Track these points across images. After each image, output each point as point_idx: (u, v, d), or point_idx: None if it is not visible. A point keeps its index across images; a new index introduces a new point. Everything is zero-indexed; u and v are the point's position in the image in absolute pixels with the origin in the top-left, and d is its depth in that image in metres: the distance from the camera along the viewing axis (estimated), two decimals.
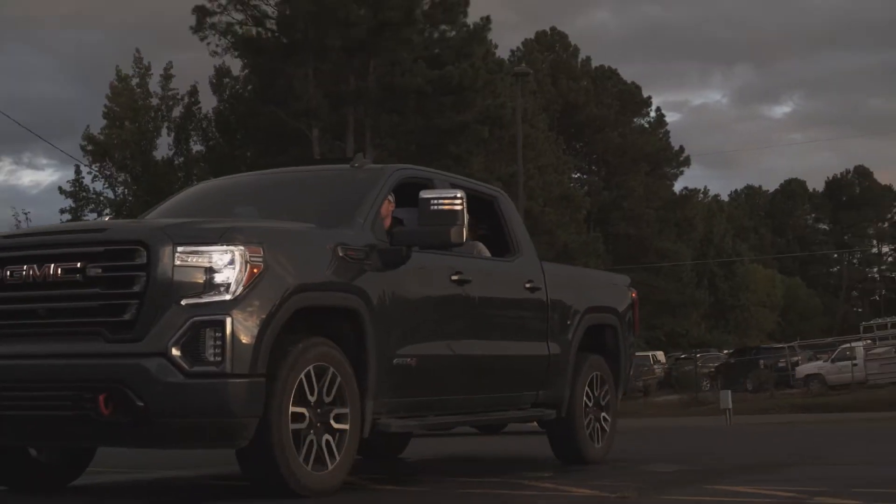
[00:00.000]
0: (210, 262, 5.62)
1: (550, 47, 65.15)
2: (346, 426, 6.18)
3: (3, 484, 6.78)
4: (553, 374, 8.27)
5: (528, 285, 8.13)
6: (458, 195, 6.68)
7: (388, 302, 6.60)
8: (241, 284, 5.61)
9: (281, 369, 5.77)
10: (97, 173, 48.89)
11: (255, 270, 5.68)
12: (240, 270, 5.62)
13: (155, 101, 51.88)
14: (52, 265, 5.70)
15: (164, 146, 51.26)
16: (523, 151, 38.40)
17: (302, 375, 5.92)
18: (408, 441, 10.11)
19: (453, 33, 47.25)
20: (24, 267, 5.77)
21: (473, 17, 47.36)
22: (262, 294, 5.68)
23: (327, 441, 6.05)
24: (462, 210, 6.64)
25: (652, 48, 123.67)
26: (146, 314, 5.49)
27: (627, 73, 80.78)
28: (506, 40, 61.82)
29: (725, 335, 70.25)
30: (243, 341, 5.52)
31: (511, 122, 41.19)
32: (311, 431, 5.97)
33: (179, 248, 5.60)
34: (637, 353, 46.50)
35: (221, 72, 49.47)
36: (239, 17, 47.10)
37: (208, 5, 46.40)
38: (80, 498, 6.66)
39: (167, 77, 52.22)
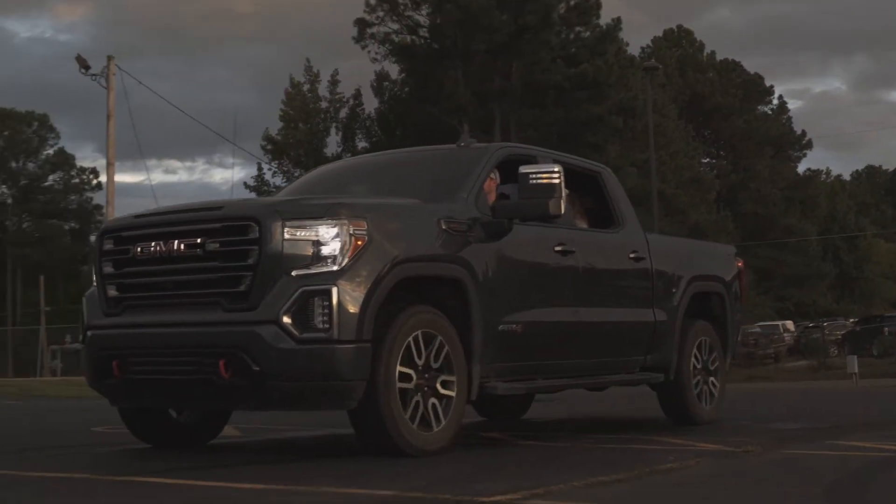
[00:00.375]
0: (317, 235, 5.53)
1: (678, 43, 64.12)
2: (453, 393, 5.98)
3: (147, 442, 6.80)
4: (660, 340, 7.85)
5: (632, 255, 7.74)
6: (556, 169, 6.37)
7: (491, 272, 6.35)
8: (347, 256, 5.50)
9: (388, 335, 5.63)
10: (276, 169, 50.06)
11: (360, 242, 5.56)
12: (344, 243, 5.51)
13: (324, 105, 53.76)
14: (176, 241, 5.71)
15: (332, 144, 52.95)
16: (655, 139, 37.51)
17: (409, 340, 5.76)
18: (530, 403, 9.71)
19: (587, 34, 47.59)
20: (153, 244, 5.78)
21: (605, 18, 48.10)
22: (366, 265, 5.55)
23: (433, 404, 5.87)
24: (560, 183, 6.32)
25: (773, 41, 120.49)
26: (259, 285, 5.44)
27: (751, 65, 79.06)
28: (636, 38, 61.70)
29: (851, 305, 67.95)
30: (349, 309, 5.41)
31: (643, 113, 40.67)
32: (418, 394, 5.82)
33: (288, 224, 5.53)
34: (767, 323, 45.83)
35: (381, 76, 50.43)
36: (395, 26, 48.61)
37: (368, 18, 47.97)
38: (214, 454, 6.78)
39: (334, 83, 54.01)
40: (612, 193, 8.06)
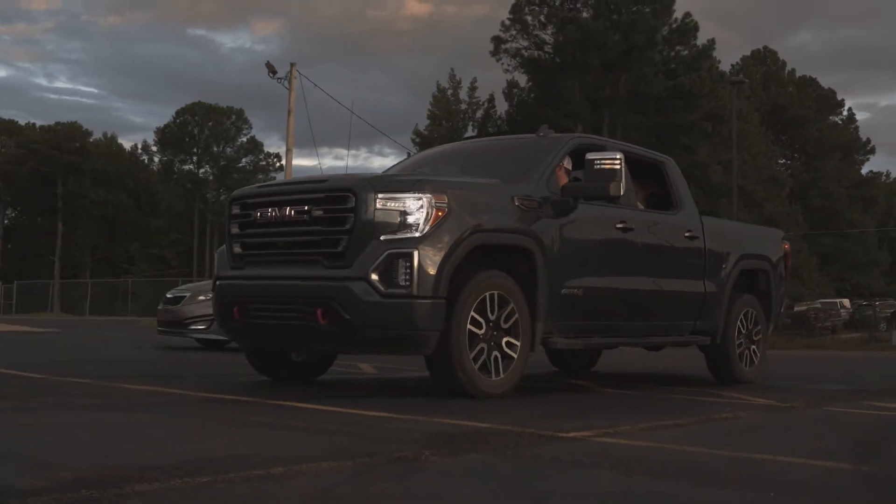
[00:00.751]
0: (404, 206, 5.35)
1: (763, 61, 61.53)
2: (515, 354, 5.76)
3: (267, 376, 6.75)
4: (709, 308, 7.50)
5: (687, 234, 7.37)
6: (618, 156, 6.08)
7: (557, 243, 6.09)
8: (429, 224, 5.31)
9: (462, 293, 5.45)
10: None
11: (440, 213, 5.37)
12: (427, 213, 5.33)
13: (463, 107, 53.94)
14: (288, 208, 5.64)
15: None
16: (738, 142, 36.27)
17: (485, 296, 5.59)
18: (597, 357, 9.35)
19: (686, 52, 46.91)
20: (269, 210, 5.73)
21: (702, 39, 47.43)
22: (444, 232, 5.36)
23: (496, 357, 5.67)
24: (620, 168, 6.04)
25: (847, 61, 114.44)
26: (353, 247, 5.32)
27: (826, 81, 74.98)
28: (727, 56, 59.80)
29: None
30: (428, 270, 5.26)
31: (729, 120, 38.88)
32: (485, 344, 5.61)
33: (380, 195, 5.37)
34: (827, 300, 44.35)
35: (511, 84, 50.02)
36: (524, 43, 48.41)
37: (503, 35, 48.06)
38: (320, 387, 6.65)
39: (472, 89, 54.26)
40: (672, 181, 7.70)
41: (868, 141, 66.51)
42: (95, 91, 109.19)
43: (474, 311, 5.51)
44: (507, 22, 47.78)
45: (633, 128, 44.86)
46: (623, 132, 44.07)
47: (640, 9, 45.13)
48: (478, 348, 5.53)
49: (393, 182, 5.69)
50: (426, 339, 5.34)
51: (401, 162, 8.17)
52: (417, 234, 5.27)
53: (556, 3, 47.45)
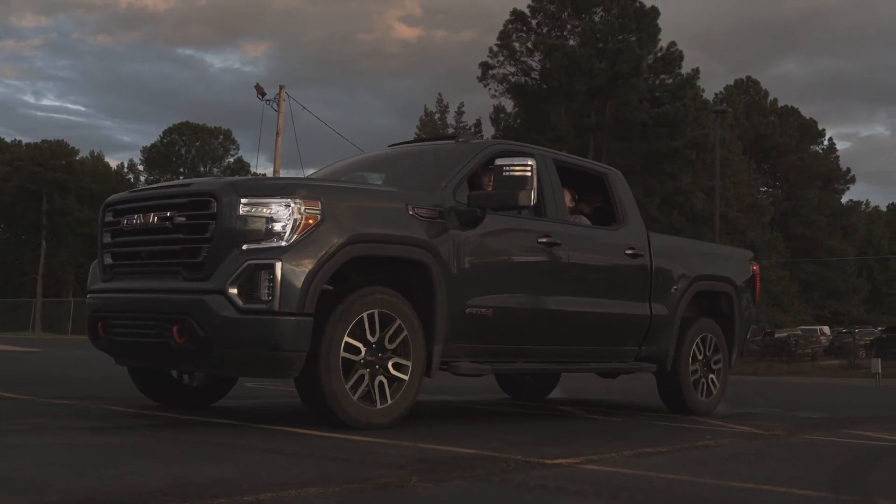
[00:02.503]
0: (270, 212, 4.84)
1: (746, 91, 62.10)
2: (405, 376, 5.19)
3: (155, 400, 6.15)
4: (656, 332, 6.86)
5: (628, 252, 6.73)
6: (529, 163, 5.52)
7: (461, 257, 5.52)
8: (297, 233, 4.81)
9: (335, 311, 4.90)
10: None
11: (311, 221, 4.85)
12: (296, 221, 4.82)
13: (451, 130, 52.49)
14: (152, 214, 5.16)
15: None
16: (721, 170, 36.81)
17: (363, 316, 5.00)
18: (554, 384, 8.78)
19: (670, 80, 47.09)
20: (135, 216, 5.24)
21: (686, 68, 47.79)
22: (314, 242, 4.83)
23: (380, 382, 5.11)
24: (531, 176, 5.48)
25: (828, 91, 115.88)
26: (214, 257, 4.83)
27: (807, 111, 76.07)
28: (711, 85, 60.16)
29: (880, 315, 65.18)
30: (292, 283, 4.72)
31: (712, 148, 39.62)
32: (366, 369, 5.05)
33: (244, 200, 4.85)
34: (807, 327, 44.54)
35: (498, 109, 50.14)
36: (512, 69, 48.58)
37: (490, 61, 48.26)
38: (216, 414, 6.05)
39: (460, 113, 54.32)
40: (617, 194, 7.08)
41: (848, 170, 67.36)
42: (83, 109, 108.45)
43: (351, 333, 4.98)
44: (495, 48, 48.12)
45: (617, 154, 44.92)
46: (608, 157, 43.82)
47: (626, 37, 45.64)
48: (357, 374, 5.01)
49: (260, 186, 5.18)
50: (290, 361, 4.81)
51: (322, 168, 7.49)
52: (283, 244, 4.78)
53: (544, 31, 48.07)
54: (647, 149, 44.90)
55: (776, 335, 39.20)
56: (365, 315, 4.98)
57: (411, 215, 5.28)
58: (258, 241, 4.77)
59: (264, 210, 4.81)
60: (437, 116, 54.21)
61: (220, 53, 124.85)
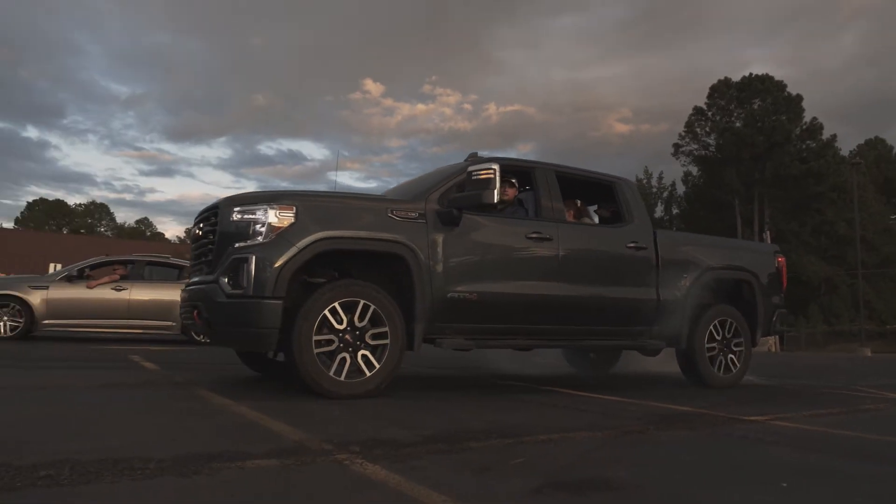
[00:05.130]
0: (255, 217, 4.63)
1: (874, 147, 59.75)
2: (386, 340, 4.76)
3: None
4: (665, 314, 6.24)
5: (630, 245, 6.12)
6: (493, 167, 4.98)
7: (442, 250, 5.08)
8: (274, 232, 4.57)
9: (308, 301, 4.59)
10: None
11: (286, 222, 4.59)
12: (273, 223, 4.58)
13: (654, 190, 56.52)
14: (195, 228, 5.25)
15: (658, 211, 55.22)
16: (858, 205, 35.82)
17: (336, 305, 4.64)
18: (617, 359, 8.08)
19: (813, 144, 47.59)
20: (194, 227, 5.31)
21: (826, 134, 48.00)
22: (285, 238, 4.56)
23: (364, 356, 4.70)
24: (494, 178, 4.94)
25: None
26: (217, 255, 4.75)
27: None
28: (847, 144, 59.68)
29: None
30: (263, 273, 4.46)
31: (850, 189, 39.91)
32: (345, 352, 4.67)
33: (237, 208, 4.71)
34: None
35: (686, 174, 52.70)
36: (695, 146, 50.80)
37: (680, 142, 51.25)
38: (506, 378, 6.35)
39: (660, 178, 57.06)
40: (623, 199, 6.43)
41: None
42: None
43: (323, 321, 4.62)
44: (683, 133, 50.71)
45: (776, 199, 46.62)
46: (769, 201, 46.62)
47: (779, 117, 46.84)
48: (335, 357, 4.64)
49: (251, 197, 4.84)
50: (265, 336, 4.50)
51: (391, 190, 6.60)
52: (259, 241, 4.59)
53: (717, 119, 49.27)
54: (798, 195, 45.83)
55: None
56: (341, 303, 4.68)
57: (390, 217, 4.96)
58: (245, 240, 4.64)
59: (250, 216, 4.67)
60: (644, 181, 56.03)
61: (503, 152, 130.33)
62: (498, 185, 4.98)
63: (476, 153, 5.86)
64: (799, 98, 47.73)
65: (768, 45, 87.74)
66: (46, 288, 11.08)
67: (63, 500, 2.14)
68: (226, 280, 4.61)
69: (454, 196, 5.23)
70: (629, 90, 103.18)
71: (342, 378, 4.61)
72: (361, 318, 4.73)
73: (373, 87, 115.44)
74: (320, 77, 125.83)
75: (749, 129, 46.76)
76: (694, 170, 51.92)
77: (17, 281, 11.25)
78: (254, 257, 4.53)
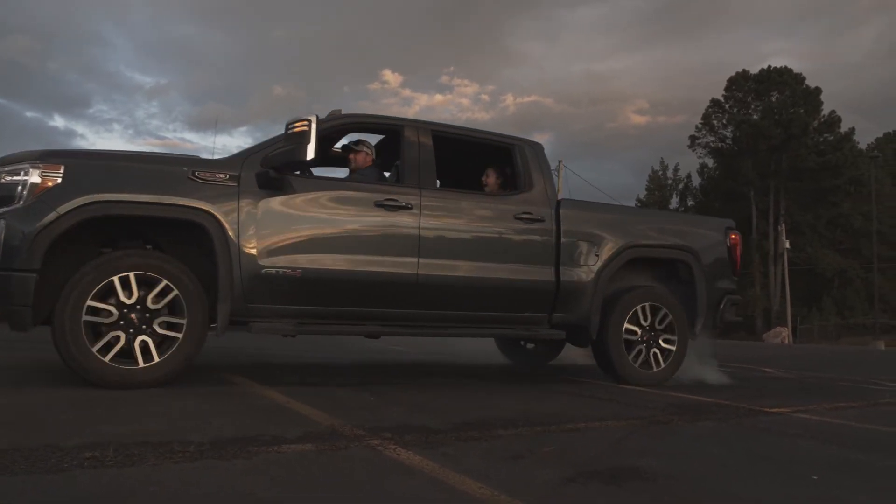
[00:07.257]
0: (18, 178, 3.92)
1: (893, 141, 55.57)
2: (178, 335, 4.05)
3: (512, 361, 6.47)
4: (569, 299, 5.29)
5: (524, 215, 5.18)
6: (309, 118, 4.27)
7: (255, 218, 4.32)
8: (33, 194, 3.86)
9: (79, 272, 3.90)
10: None
11: (49, 184, 3.89)
12: (34, 183, 3.88)
13: (669, 182, 56.18)
14: None
15: (674, 203, 54.91)
16: (876, 198, 35.70)
17: (114, 279, 3.93)
18: (558, 351, 7.17)
19: (831, 137, 47.03)
20: None
21: (844, 127, 47.18)
22: (45, 202, 3.85)
23: (143, 342, 3.97)
24: (309, 131, 4.23)
25: None
26: None
27: None
28: (864, 137, 59.28)
29: None
30: (13, 241, 3.78)
31: (868, 182, 39.64)
32: (129, 330, 3.95)
33: (5, 168, 3.98)
34: None
35: (703, 166, 51.88)
36: (712, 138, 50.01)
37: (696, 134, 50.21)
38: (549, 370, 6.35)
39: (676, 170, 56.30)
40: (522, 163, 5.49)
41: None
42: None
43: (98, 296, 3.90)
44: (700, 125, 50.16)
45: (792, 191, 45.87)
46: (784, 194, 46.11)
47: (797, 110, 46.09)
48: (107, 332, 3.92)
49: (19, 156, 4.06)
50: (19, 315, 3.79)
51: None
52: (19, 205, 3.87)
53: (734, 111, 48.67)
54: (815, 187, 45.12)
55: None
56: (118, 277, 3.96)
57: (191, 178, 4.20)
58: (10, 204, 3.92)
59: (16, 177, 3.95)
60: (660, 173, 55.98)
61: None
62: (314, 139, 4.27)
63: (340, 110, 5.03)
64: (817, 91, 47.25)
65: (788, 38, 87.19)
66: None
67: (112, 481, 2.18)
68: None
69: (267, 154, 4.48)
70: (646, 82, 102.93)
71: (107, 359, 3.92)
72: (157, 301, 4.06)
73: (391, 77, 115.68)
74: (339, 68, 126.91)
75: (766, 122, 46.29)
76: (710, 162, 51.45)
77: None
78: (4, 222, 3.86)
